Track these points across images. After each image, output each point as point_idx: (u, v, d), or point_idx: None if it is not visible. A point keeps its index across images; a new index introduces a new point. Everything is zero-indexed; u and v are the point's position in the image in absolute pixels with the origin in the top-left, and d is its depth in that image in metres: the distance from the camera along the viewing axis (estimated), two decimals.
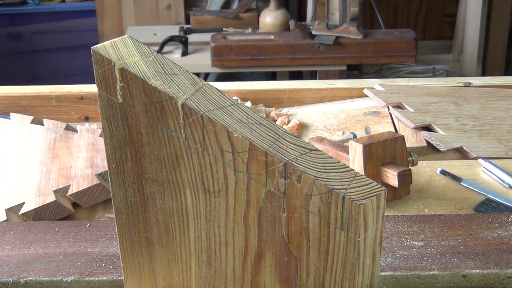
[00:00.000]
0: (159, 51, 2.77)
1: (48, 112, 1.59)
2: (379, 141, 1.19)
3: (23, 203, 1.19)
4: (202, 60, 2.75)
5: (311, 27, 2.72)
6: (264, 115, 1.58)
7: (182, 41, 2.78)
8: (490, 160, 1.33)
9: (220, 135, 0.70)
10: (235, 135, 0.69)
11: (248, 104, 1.61)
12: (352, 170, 0.69)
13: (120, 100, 0.76)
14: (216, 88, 0.74)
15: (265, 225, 0.73)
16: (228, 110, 0.72)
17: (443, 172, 1.31)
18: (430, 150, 1.43)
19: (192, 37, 2.88)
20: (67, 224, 1.11)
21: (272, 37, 2.68)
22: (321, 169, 0.68)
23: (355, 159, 1.19)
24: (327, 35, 2.66)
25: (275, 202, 0.71)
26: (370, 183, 0.68)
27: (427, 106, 1.57)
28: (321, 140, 1.35)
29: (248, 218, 0.73)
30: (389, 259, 1.00)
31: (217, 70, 2.75)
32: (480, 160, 1.35)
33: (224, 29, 2.95)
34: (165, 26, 3.29)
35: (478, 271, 0.98)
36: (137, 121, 0.76)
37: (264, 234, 0.73)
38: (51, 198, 1.19)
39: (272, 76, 3.42)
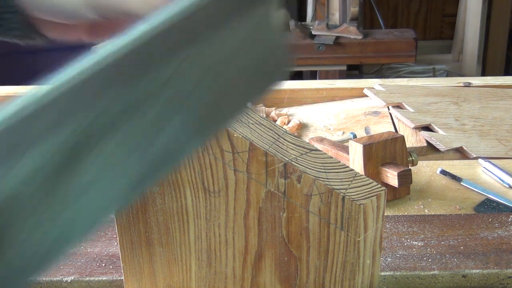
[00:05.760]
0: None
1: None
2: (379, 141, 1.19)
3: None
4: None
5: (311, 27, 2.72)
6: (264, 115, 1.58)
7: None
8: (490, 160, 1.33)
9: (220, 135, 0.70)
10: (235, 135, 0.69)
11: (248, 104, 1.60)
12: (352, 170, 0.69)
13: None
14: None
15: (265, 225, 0.73)
16: None
17: (443, 172, 1.31)
18: (430, 150, 1.43)
19: None
20: None
21: None
22: (321, 169, 0.68)
23: (355, 159, 1.19)
24: (327, 35, 2.66)
25: (275, 202, 0.71)
26: (370, 183, 0.68)
27: (427, 106, 1.57)
28: (321, 140, 1.35)
29: (248, 218, 0.73)
30: (389, 259, 1.00)
31: None
32: (480, 160, 1.35)
33: None
34: None
35: (478, 271, 0.98)
36: None
37: (264, 234, 0.73)
38: None
39: None
